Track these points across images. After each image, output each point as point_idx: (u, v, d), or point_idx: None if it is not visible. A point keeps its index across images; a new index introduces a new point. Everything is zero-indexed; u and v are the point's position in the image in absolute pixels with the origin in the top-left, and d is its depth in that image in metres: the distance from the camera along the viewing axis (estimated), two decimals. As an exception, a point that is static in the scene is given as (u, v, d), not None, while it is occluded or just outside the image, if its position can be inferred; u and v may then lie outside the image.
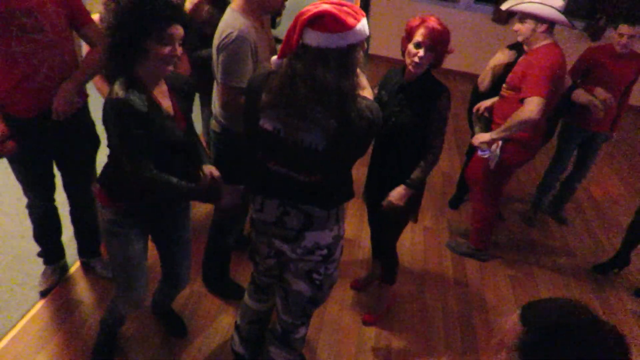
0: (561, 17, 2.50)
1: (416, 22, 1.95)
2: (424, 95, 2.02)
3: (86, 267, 2.63)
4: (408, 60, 1.97)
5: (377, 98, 2.08)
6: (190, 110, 1.85)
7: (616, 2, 5.88)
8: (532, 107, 2.42)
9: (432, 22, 1.91)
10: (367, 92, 1.69)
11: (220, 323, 2.44)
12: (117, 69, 1.58)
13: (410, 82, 2.04)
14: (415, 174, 2.07)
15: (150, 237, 1.98)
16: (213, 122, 2.18)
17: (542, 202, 3.73)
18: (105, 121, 1.58)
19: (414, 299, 2.82)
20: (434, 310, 2.76)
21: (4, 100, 1.98)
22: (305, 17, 1.35)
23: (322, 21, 1.34)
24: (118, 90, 1.52)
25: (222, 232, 2.45)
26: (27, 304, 2.38)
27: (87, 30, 2.09)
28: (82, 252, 2.61)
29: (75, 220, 2.52)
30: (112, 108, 1.53)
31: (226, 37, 1.86)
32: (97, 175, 1.88)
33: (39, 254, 2.51)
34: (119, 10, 1.46)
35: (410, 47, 1.94)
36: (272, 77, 1.46)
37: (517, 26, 2.62)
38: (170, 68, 1.59)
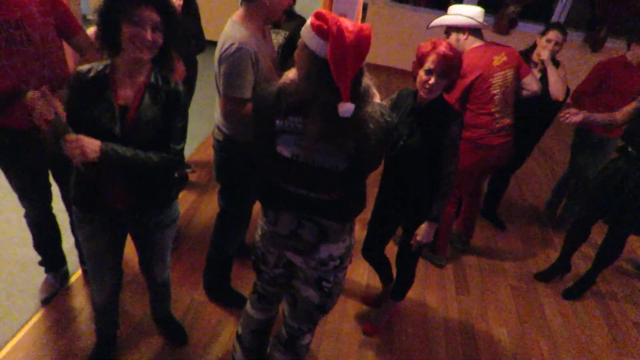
0: (472, 22, 2.65)
1: (427, 48, 1.92)
2: (436, 120, 2.00)
3: (87, 275, 2.62)
4: (419, 86, 1.96)
5: None
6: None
7: (616, 14, 5.92)
8: None
9: (443, 48, 1.88)
10: (376, 99, 1.69)
11: (221, 332, 2.44)
12: (104, 52, 1.60)
13: (423, 106, 2.02)
14: (435, 207, 2.08)
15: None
16: (216, 130, 2.20)
17: (555, 204, 3.91)
18: None
19: (415, 308, 2.81)
20: (435, 320, 2.75)
21: None
22: (368, 47, 1.32)
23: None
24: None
25: (224, 240, 2.45)
26: (28, 312, 2.38)
27: (78, 39, 2.07)
28: (83, 260, 2.61)
29: (74, 231, 2.51)
30: None
31: (227, 48, 1.88)
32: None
33: (40, 263, 2.51)
34: None
35: (422, 73, 1.93)
36: (284, 98, 1.43)
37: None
38: (144, 56, 1.54)
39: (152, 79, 1.64)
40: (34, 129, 1.97)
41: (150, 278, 2.12)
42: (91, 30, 2.31)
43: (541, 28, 3.26)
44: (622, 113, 2.66)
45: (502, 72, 2.70)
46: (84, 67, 1.61)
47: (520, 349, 2.66)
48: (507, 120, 2.79)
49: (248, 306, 2.00)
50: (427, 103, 2.01)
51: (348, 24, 1.32)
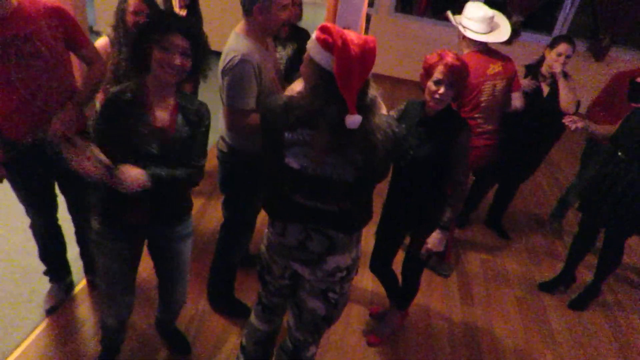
0: (466, 33, 2.67)
1: (434, 59, 1.95)
2: (444, 130, 2.02)
3: (92, 285, 2.62)
4: (428, 97, 1.99)
5: None
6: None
7: (619, 23, 5.93)
8: None
9: (451, 59, 1.92)
10: (382, 111, 1.70)
11: (225, 343, 2.43)
12: (132, 73, 1.68)
13: (431, 117, 2.05)
14: (447, 215, 2.08)
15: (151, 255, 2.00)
16: (220, 141, 2.21)
17: (561, 214, 3.88)
18: None
19: (420, 318, 2.80)
20: (440, 331, 2.74)
21: (1, 125, 1.97)
22: (373, 59, 1.35)
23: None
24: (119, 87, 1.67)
25: (228, 250, 2.46)
26: (33, 321, 2.38)
27: (85, 52, 2.09)
28: (88, 270, 2.62)
29: (80, 241, 2.53)
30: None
31: (230, 61, 1.90)
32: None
33: (45, 272, 2.52)
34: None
35: (430, 84, 1.96)
36: (291, 111, 1.44)
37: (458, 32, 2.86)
38: (172, 79, 1.62)
39: (181, 101, 1.72)
40: (39, 141, 2.01)
41: (169, 303, 2.14)
42: (99, 42, 2.34)
43: (544, 38, 3.26)
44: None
45: (493, 82, 2.73)
46: (117, 89, 1.67)
47: (525, 360, 2.64)
48: (489, 127, 2.84)
49: (252, 317, 1.99)
50: (435, 113, 2.03)
51: (353, 36, 1.33)
